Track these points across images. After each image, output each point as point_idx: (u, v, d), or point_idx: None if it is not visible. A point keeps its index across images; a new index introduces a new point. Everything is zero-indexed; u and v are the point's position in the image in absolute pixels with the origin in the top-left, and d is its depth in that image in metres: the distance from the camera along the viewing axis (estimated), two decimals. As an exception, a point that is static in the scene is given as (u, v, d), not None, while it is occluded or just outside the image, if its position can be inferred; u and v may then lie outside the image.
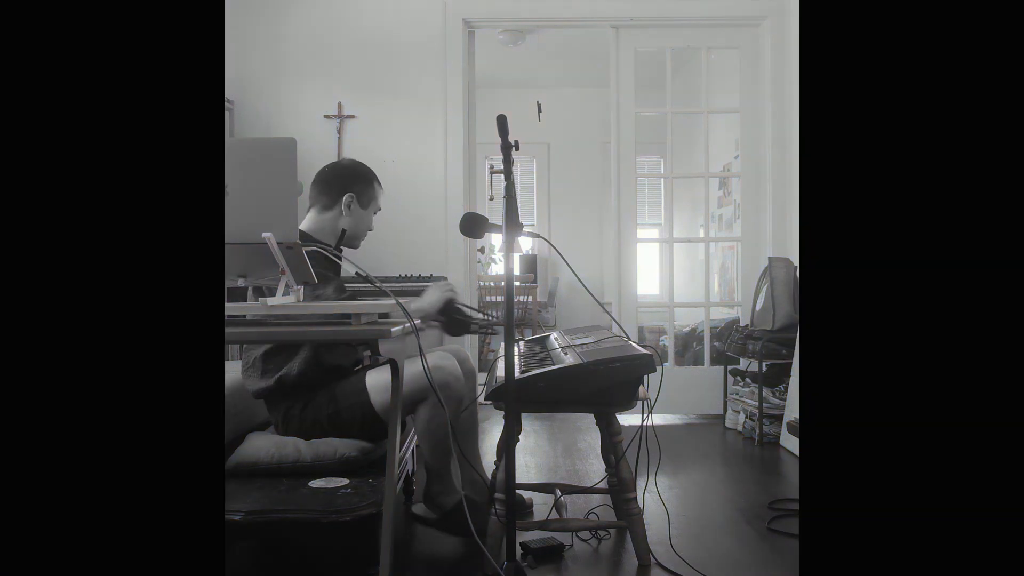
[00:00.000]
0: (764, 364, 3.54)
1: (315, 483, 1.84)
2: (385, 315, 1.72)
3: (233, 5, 4.03)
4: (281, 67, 4.07)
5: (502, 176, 1.70)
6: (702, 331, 4.43)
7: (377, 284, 1.96)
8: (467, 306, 2.18)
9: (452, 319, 2.12)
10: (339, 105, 4.06)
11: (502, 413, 1.83)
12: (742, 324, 4.04)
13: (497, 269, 7.28)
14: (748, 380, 3.75)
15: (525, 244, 7.51)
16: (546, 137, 7.55)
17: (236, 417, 2.26)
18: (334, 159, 4.03)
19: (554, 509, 2.20)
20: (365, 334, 1.59)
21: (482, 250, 6.88)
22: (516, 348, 2.33)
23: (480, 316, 2.20)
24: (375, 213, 2.32)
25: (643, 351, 1.93)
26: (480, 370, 5.00)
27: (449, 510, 2.15)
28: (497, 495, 1.91)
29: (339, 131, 4.05)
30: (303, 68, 4.06)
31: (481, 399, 2.34)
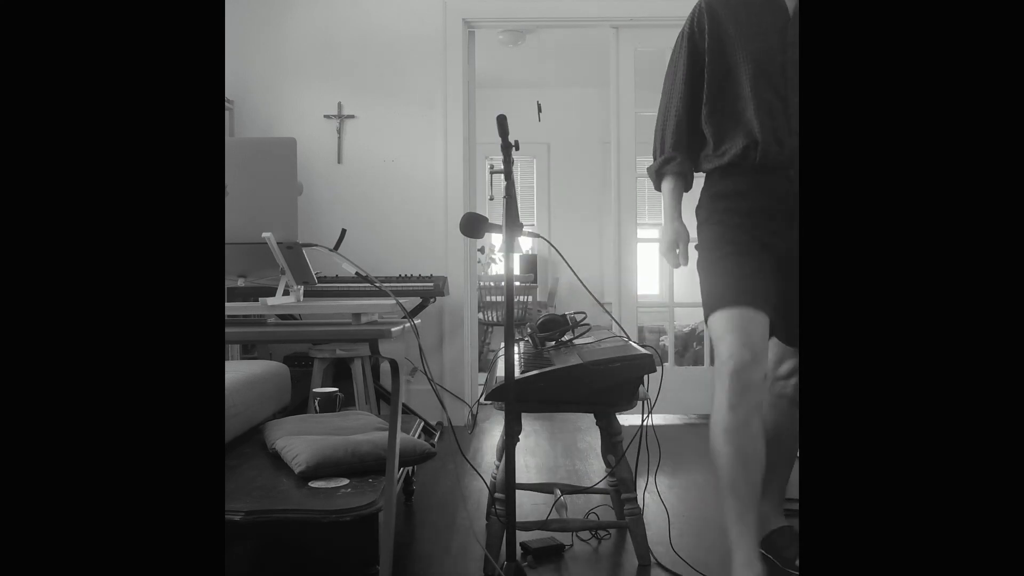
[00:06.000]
0: (764, 364, 3.53)
1: (315, 483, 1.84)
2: (386, 315, 1.72)
3: (233, 5, 4.03)
4: (281, 67, 4.07)
5: (502, 176, 1.70)
6: (702, 331, 4.43)
7: (377, 284, 1.96)
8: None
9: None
10: (339, 105, 4.05)
11: (502, 413, 1.83)
12: (742, 324, 4.03)
13: (497, 269, 7.28)
14: (748, 380, 3.74)
15: (525, 244, 7.51)
16: (546, 137, 7.54)
17: (237, 416, 2.26)
18: (334, 159, 4.04)
19: (554, 509, 2.20)
20: (365, 334, 1.59)
21: (482, 250, 6.88)
22: (516, 348, 2.33)
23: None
24: None
25: (643, 351, 1.93)
26: (480, 370, 5.00)
27: None
28: (497, 495, 1.91)
29: (339, 131, 4.05)
30: (303, 68, 4.06)
31: (481, 399, 2.34)
